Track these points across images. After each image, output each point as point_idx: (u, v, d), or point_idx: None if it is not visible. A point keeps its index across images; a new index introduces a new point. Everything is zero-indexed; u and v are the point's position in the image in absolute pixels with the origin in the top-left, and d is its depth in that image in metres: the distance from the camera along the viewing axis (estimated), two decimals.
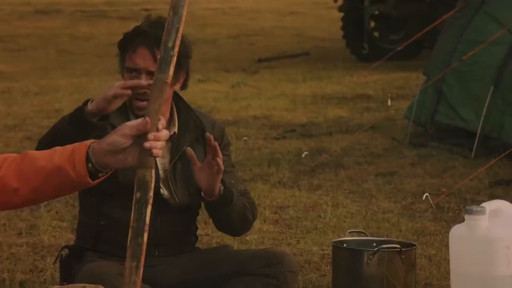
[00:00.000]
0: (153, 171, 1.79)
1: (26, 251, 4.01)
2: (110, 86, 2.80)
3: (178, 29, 1.75)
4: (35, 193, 1.96)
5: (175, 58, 1.77)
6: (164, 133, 1.84)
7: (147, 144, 1.81)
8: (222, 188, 2.86)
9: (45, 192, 1.96)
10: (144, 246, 1.75)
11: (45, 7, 17.19)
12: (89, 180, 1.91)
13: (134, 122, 1.86)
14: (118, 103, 2.77)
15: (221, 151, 3.00)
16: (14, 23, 15.61)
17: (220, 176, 2.82)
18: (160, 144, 1.83)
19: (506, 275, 2.89)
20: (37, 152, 2.00)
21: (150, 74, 2.86)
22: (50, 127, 2.85)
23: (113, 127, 2.82)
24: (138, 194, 1.75)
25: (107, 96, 2.76)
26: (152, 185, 1.79)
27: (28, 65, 11.43)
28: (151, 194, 1.78)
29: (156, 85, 1.77)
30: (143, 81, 2.85)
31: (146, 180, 1.76)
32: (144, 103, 2.86)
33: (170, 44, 1.75)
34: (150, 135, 1.82)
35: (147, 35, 2.84)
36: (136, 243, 1.73)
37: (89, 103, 2.78)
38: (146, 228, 1.75)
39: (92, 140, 1.92)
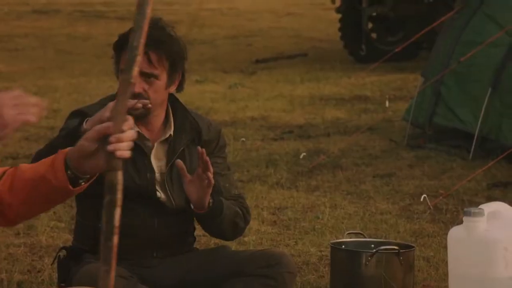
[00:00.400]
0: (120, 173, 1.78)
1: (24, 252, 4.00)
2: (106, 107, 2.76)
3: (142, 28, 1.74)
4: (25, 206, 1.97)
5: (139, 58, 1.76)
6: (129, 134, 1.82)
7: (110, 147, 1.81)
8: (211, 201, 2.86)
9: (34, 204, 1.97)
10: (114, 249, 1.74)
11: (43, 7, 17.17)
12: (70, 187, 1.91)
13: (99, 126, 1.86)
14: None
15: (217, 153, 3.00)
16: (12, 23, 15.60)
17: (210, 190, 2.82)
18: (124, 145, 1.82)
19: (504, 276, 2.89)
20: (27, 165, 2.02)
21: (144, 76, 2.85)
22: (48, 142, 2.84)
23: None
24: (107, 197, 1.75)
25: (103, 118, 2.72)
26: (120, 187, 1.78)
27: (26, 65, 11.41)
28: (119, 196, 1.77)
29: (121, 86, 1.76)
30: (137, 88, 2.83)
31: (114, 183, 1.76)
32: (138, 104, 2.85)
33: (135, 44, 1.74)
34: (112, 138, 1.81)
35: None
36: (106, 246, 1.72)
37: (85, 122, 2.76)
38: (116, 231, 1.74)
39: (70, 148, 1.92)
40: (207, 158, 2.79)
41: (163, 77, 2.87)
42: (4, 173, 2.01)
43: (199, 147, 2.84)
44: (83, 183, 1.94)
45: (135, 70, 1.75)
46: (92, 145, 1.87)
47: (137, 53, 1.75)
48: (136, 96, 2.84)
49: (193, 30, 13.96)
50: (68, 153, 1.91)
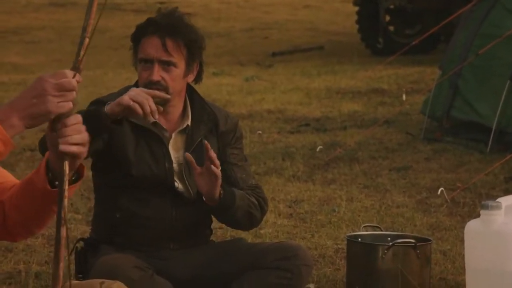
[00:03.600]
0: (66, 163, 1.76)
1: (41, 243, 4.03)
2: (129, 93, 2.73)
3: (91, 10, 1.72)
4: (18, 212, 1.95)
5: (87, 40, 1.75)
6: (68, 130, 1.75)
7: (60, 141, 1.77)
8: (222, 192, 2.86)
9: (25, 210, 1.95)
10: (64, 241, 1.73)
11: (60, 0, 17.23)
12: (48, 186, 1.88)
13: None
14: (132, 114, 2.72)
15: (233, 144, 3.00)
16: (29, 16, 15.66)
17: (219, 183, 2.82)
18: (72, 138, 1.76)
19: None
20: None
21: (162, 63, 2.85)
22: None
23: (128, 121, 2.82)
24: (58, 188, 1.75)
25: (122, 102, 2.71)
26: (66, 178, 1.77)
27: (43, 57, 11.46)
28: (66, 187, 1.76)
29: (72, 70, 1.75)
30: (155, 76, 2.82)
31: (60, 172, 1.75)
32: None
33: (84, 25, 1.72)
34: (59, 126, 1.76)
35: (159, 24, 2.84)
36: (57, 237, 1.72)
37: (106, 105, 2.76)
38: (63, 222, 1.73)
39: None
40: (214, 154, 2.79)
41: (181, 65, 2.87)
42: (13, 186, 2.00)
43: (205, 141, 2.84)
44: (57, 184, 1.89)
45: (82, 53, 1.73)
46: (50, 133, 1.82)
47: (85, 36, 1.73)
48: (155, 83, 2.85)
49: (209, 23, 13.96)
50: (48, 153, 1.89)
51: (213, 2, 17.14)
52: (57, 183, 1.83)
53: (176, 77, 2.87)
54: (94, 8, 1.70)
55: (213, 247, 3.04)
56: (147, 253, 2.93)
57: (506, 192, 4.73)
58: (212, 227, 3.10)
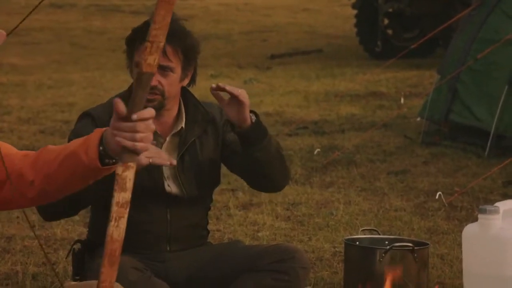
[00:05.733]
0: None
1: (39, 244, 4.02)
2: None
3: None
4: (47, 180, 1.95)
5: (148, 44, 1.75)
6: (138, 127, 1.79)
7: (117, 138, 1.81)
8: (254, 118, 2.84)
9: (57, 179, 1.95)
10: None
11: (59, 1, 17.23)
12: (99, 164, 1.89)
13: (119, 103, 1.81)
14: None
15: (229, 132, 2.99)
16: (28, 16, 15.64)
17: (246, 107, 2.78)
18: (128, 135, 1.78)
19: None
20: (55, 146, 2.01)
21: (160, 68, 2.86)
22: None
23: None
24: None
25: (142, 163, 2.74)
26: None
27: (42, 58, 11.45)
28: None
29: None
30: (152, 81, 2.83)
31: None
32: (152, 96, 2.86)
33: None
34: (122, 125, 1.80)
35: None
36: None
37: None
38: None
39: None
40: (224, 85, 2.77)
41: (178, 70, 2.88)
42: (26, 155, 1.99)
43: (216, 84, 2.80)
44: (111, 162, 1.91)
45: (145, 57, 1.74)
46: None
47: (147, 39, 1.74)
48: (152, 88, 2.85)
49: (208, 25, 13.96)
50: (107, 129, 1.89)
51: (212, 5, 17.15)
52: (107, 160, 1.85)
53: (172, 82, 2.88)
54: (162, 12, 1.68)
55: (211, 249, 3.04)
56: (144, 256, 2.93)
57: (504, 197, 4.73)
58: (209, 229, 3.09)
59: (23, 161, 1.99)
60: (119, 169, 1.76)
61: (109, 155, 1.90)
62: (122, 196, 1.75)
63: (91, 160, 1.89)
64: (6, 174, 1.94)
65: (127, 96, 2.77)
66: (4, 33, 1.81)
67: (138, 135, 1.78)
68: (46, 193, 1.99)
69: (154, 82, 2.85)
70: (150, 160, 2.73)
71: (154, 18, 1.70)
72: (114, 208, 1.75)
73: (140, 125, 1.78)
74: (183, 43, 2.87)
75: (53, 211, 2.83)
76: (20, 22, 1.93)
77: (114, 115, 1.81)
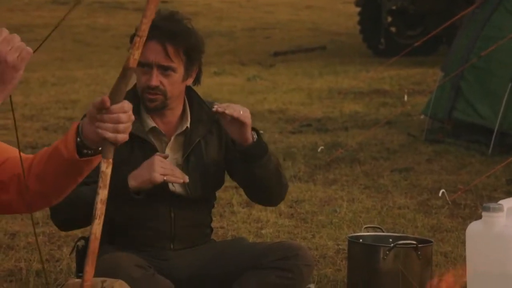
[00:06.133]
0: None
1: (42, 241, 4.03)
2: (156, 168, 2.79)
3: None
4: (39, 182, 1.96)
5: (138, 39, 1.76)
6: (118, 117, 1.82)
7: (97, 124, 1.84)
8: (255, 136, 2.85)
9: (47, 179, 1.95)
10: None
11: None
12: (76, 156, 1.90)
13: (98, 99, 1.85)
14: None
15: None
16: (32, 13, 15.66)
17: (247, 127, 2.79)
18: (109, 126, 1.83)
19: None
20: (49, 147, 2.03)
21: (161, 68, 2.85)
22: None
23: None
24: None
25: (156, 180, 2.78)
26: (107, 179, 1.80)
27: (45, 55, 11.46)
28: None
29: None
30: (154, 81, 2.83)
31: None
32: (154, 96, 2.86)
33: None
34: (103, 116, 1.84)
35: (159, 29, 2.82)
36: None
37: (128, 180, 2.80)
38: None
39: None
40: (223, 109, 2.77)
41: (180, 70, 2.87)
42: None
43: (214, 106, 2.82)
44: (90, 153, 1.91)
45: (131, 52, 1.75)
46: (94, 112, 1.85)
47: (137, 34, 1.75)
48: (153, 88, 2.85)
49: (211, 22, 13.95)
50: (82, 120, 1.91)
51: (215, 2, 17.14)
52: (85, 151, 1.88)
53: (174, 82, 2.87)
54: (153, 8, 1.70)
55: (214, 246, 3.04)
56: (147, 253, 2.93)
57: (508, 194, 4.73)
58: (212, 226, 3.10)
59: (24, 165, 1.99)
60: (103, 166, 1.77)
61: (86, 146, 1.91)
62: (104, 193, 1.76)
63: (69, 153, 1.90)
64: (23, 179, 1.95)
65: (131, 96, 2.77)
66: (30, 50, 1.83)
67: (121, 126, 1.82)
68: (41, 195, 1.99)
69: (155, 83, 2.84)
70: (165, 178, 2.76)
71: (145, 12, 1.71)
72: (98, 206, 1.75)
73: (123, 117, 1.81)
74: (186, 43, 2.86)
75: (64, 218, 2.84)
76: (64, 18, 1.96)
77: (95, 108, 1.84)
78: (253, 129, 2.85)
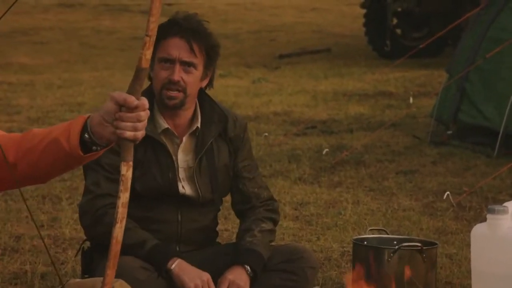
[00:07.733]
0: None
1: (47, 244, 4.03)
2: (195, 281, 2.85)
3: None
4: (31, 168, 1.95)
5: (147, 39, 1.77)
6: (136, 116, 1.82)
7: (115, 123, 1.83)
8: (250, 271, 2.88)
9: (40, 166, 1.94)
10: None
11: (68, 0, 17.26)
12: (81, 153, 1.88)
13: (117, 93, 1.85)
14: None
15: (242, 147, 3.00)
16: (38, 16, 15.70)
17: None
18: (128, 125, 1.83)
19: None
20: (40, 129, 2.00)
21: (184, 64, 2.86)
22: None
23: None
24: None
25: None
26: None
27: (51, 58, 11.48)
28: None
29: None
30: (176, 76, 2.85)
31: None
32: (174, 93, 2.86)
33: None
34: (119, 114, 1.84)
35: (182, 26, 2.86)
36: None
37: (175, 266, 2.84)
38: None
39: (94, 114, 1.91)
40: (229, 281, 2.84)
41: (200, 68, 2.90)
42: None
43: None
44: (98, 150, 1.90)
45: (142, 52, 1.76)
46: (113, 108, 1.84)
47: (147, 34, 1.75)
48: (174, 83, 2.86)
49: (216, 25, 13.94)
50: (91, 116, 1.89)
51: (220, 4, 17.16)
52: (94, 148, 1.86)
53: (194, 79, 2.89)
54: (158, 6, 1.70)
55: (220, 249, 3.04)
56: None
57: None
58: (217, 229, 3.10)
59: (6, 143, 1.97)
60: (123, 169, 1.76)
61: (95, 143, 1.89)
62: (126, 196, 1.76)
63: (72, 148, 1.89)
64: (4, 159, 1.94)
65: (147, 95, 2.78)
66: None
67: (140, 124, 1.82)
68: (32, 177, 1.99)
69: (177, 78, 2.86)
70: None
71: (151, 11, 1.72)
72: (120, 209, 1.74)
73: (143, 114, 1.82)
74: (207, 42, 2.89)
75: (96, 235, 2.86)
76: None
77: (117, 105, 1.83)
78: (247, 264, 2.88)
